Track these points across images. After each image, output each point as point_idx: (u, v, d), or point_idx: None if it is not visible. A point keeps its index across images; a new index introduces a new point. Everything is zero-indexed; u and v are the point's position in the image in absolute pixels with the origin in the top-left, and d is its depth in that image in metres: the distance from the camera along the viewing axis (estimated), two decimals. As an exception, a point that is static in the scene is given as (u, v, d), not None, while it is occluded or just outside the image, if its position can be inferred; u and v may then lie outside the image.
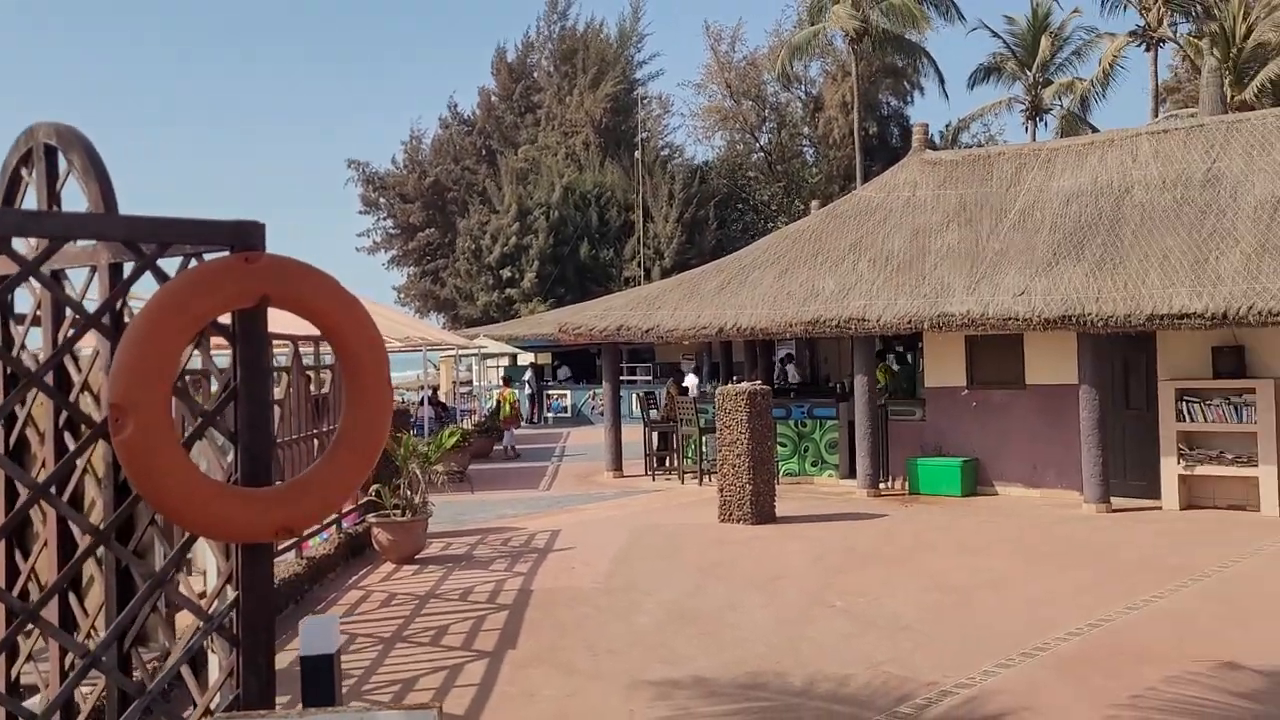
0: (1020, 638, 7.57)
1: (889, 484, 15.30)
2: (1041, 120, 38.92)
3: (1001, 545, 11.18)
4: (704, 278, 17.15)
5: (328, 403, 10.86)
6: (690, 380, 22.93)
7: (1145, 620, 8.04)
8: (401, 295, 47.35)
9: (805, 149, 47.22)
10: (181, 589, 3.74)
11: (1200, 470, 12.69)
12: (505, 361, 35.02)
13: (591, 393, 30.82)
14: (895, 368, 17.65)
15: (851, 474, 15.43)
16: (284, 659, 6.60)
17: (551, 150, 44.28)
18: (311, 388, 10.57)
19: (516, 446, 22.32)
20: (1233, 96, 26.44)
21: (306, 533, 9.89)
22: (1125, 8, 35.05)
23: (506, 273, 41.24)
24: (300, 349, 9.99)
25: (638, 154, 40.75)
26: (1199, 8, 33.03)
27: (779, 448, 15.41)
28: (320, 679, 3.85)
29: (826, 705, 6.36)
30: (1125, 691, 6.35)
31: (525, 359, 34.01)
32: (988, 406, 14.63)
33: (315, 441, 10.11)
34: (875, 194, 16.70)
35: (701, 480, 16.35)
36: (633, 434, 19.02)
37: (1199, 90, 22.59)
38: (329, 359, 11.63)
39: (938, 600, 8.87)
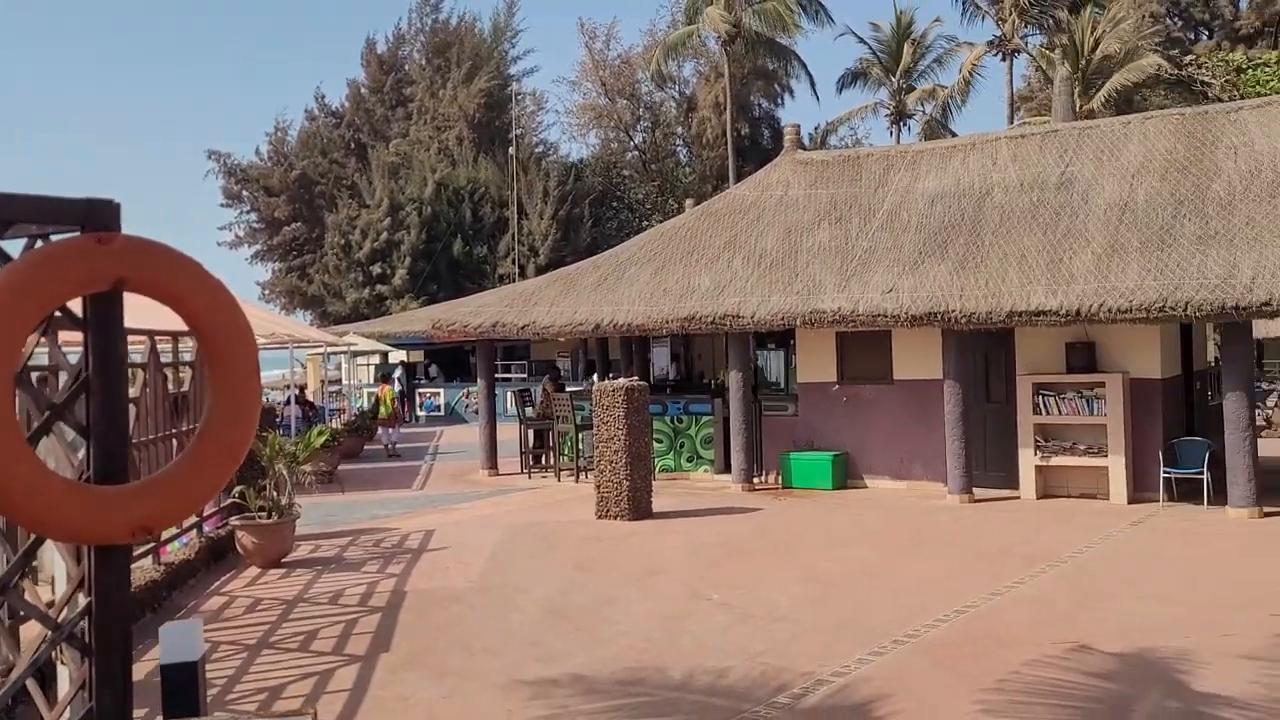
0: (891, 626, 7.75)
1: (763, 478, 15.53)
2: (905, 125, 40.21)
3: (871, 537, 11.46)
4: (580, 274, 17.08)
5: (187, 401, 10.37)
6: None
7: (1007, 606, 8.34)
8: (266, 291, 45.79)
9: (679, 148, 47.67)
10: (27, 597, 3.47)
11: (1055, 461, 13.28)
12: (376, 360, 34.23)
13: (465, 391, 30.41)
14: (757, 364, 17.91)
15: (727, 469, 15.61)
16: (141, 670, 6.26)
17: (424, 145, 43.49)
18: (170, 385, 10.06)
19: (396, 445, 21.84)
20: (1082, 105, 27.82)
21: (165, 537, 9.42)
22: (983, 18, 36.58)
23: (377, 269, 40.31)
24: (158, 344, 9.50)
25: (512, 150, 40.40)
26: (1051, 21, 34.65)
27: (655, 444, 15.48)
28: (182, 689, 3.63)
29: (706, 698, 6.38)
30: (991, 676, 6.56)
31: (396, 357, 33.31)
32: (857, 401, 15.01)
33: (174, 442, 9.64)
34: (749, 193, 16.93)
35: (578, 477, 16.29)
36: (508, 432, 18.81)
37: (1051, 98, 23.70)
38: (188, 356, 11.12)
39: (811, 591, 9.02)
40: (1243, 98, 21.02)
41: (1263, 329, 21.95)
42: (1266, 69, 21.47)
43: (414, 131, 44.59)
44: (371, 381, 32.55)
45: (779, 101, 45.87)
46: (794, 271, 14.73)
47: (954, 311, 12.92)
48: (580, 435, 16.43)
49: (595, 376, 20.40)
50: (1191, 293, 11.50)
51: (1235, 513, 11.72)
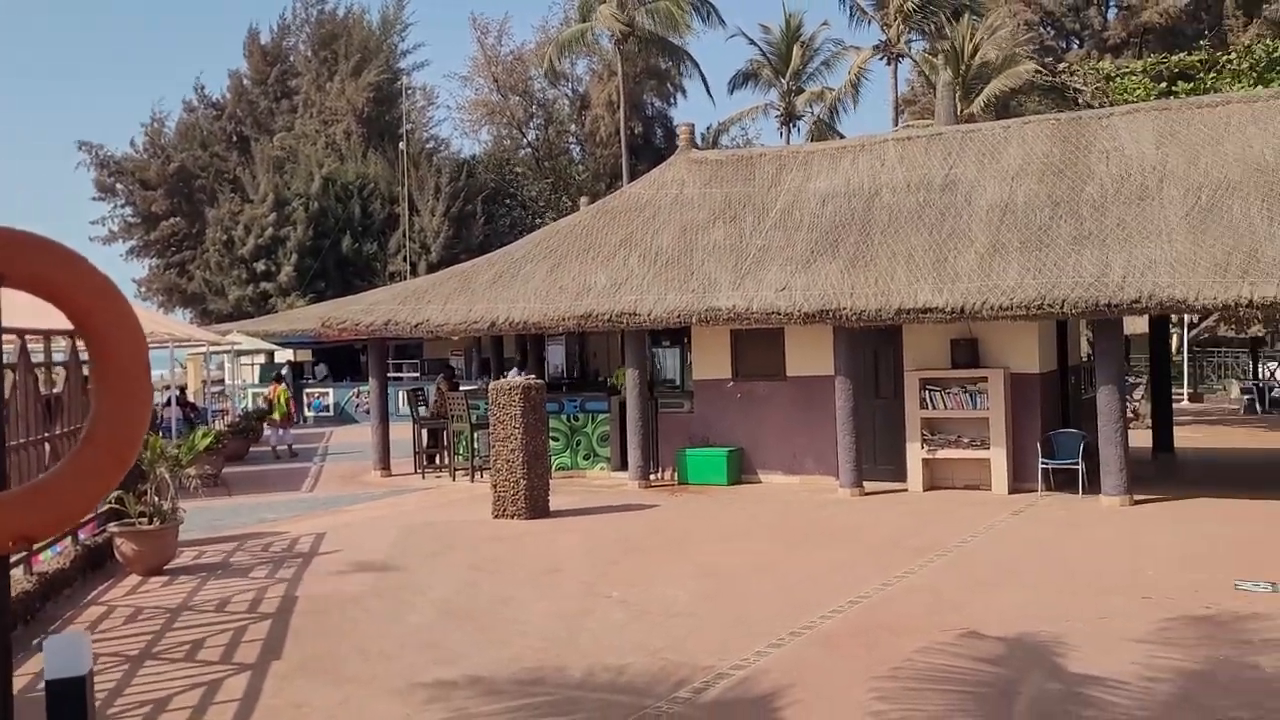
0: (787, 618, 7.88)
1: (659, 475, 15.62)
2: (795, 126, 40.92)
3: (766, 531, 11.64)
4: (475, 271, 16.89)
5: (60, 403, 9.89)
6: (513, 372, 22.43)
7: (898, 595, 8.56)
8: (143, 289, 43.99)
9: (572, 146, 47.57)
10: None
11: (941, 454, 13.70)
12: (261, 359, 33.25)
13: (356, 390, 29.80)
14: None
15: (623, 466, 15.65)
16: (15, 685, 5.95)
17: (310, 139, 42.40)
18: (41, 387, 9.59)
19: (293, 446, 21.26)
20: (963, 109, 28.74)
21: (36, 546, 8.97)
22: (869, 23, 37.48)
23: (262, 266, 39.16)
24: (29, 344, 9.03)
25: (402, 145, 39.69)
26: (933, 27, 35.73)
27: (552, 442, 15.41)
28: (69, 705, 3.45)
29: (607, 695, 6.38)
30: (885, 664, 6.73)
31: (283, 356, 32.41)
32: (751, 398, 15.22)
33: (47, 446, 9.18)
34: (645, 191, 17.00)
35: (474, 477, 16.12)
36: (401, 432, 18.50)
37: (935, 102, 24.43)
38: (61, 356, 10.62)
39: (708, 586, 9.11)
40: (1111, 104, 22.02)
41: (1131, 325, 23.06)
42: (1133, 77, 22.52)
43: (300, 125, 43.44)
44: (256, 382, 31.61)
45: (672, 101, 46.20)
46: (690, 269, 14.84)
47: (845, 309, 13.20)
48: (476, 434, 16.26)
49: (515, 373, 20.26)
50: (1067, 291, 11.99)
51: (1108, 501, 12.27)
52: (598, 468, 16.32)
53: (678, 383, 16.68)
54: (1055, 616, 7.65)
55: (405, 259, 38.79)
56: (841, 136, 36.27)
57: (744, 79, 41.54)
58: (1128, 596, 8.19)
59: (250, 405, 26.93)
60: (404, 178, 39.53)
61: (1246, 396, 24.92)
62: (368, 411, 22.08)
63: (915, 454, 13.80)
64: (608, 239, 16.06)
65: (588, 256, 15.88)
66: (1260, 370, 27.53)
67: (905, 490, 13.82)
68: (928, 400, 13.70)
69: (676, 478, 15.34)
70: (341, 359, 32.33)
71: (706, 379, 15.58)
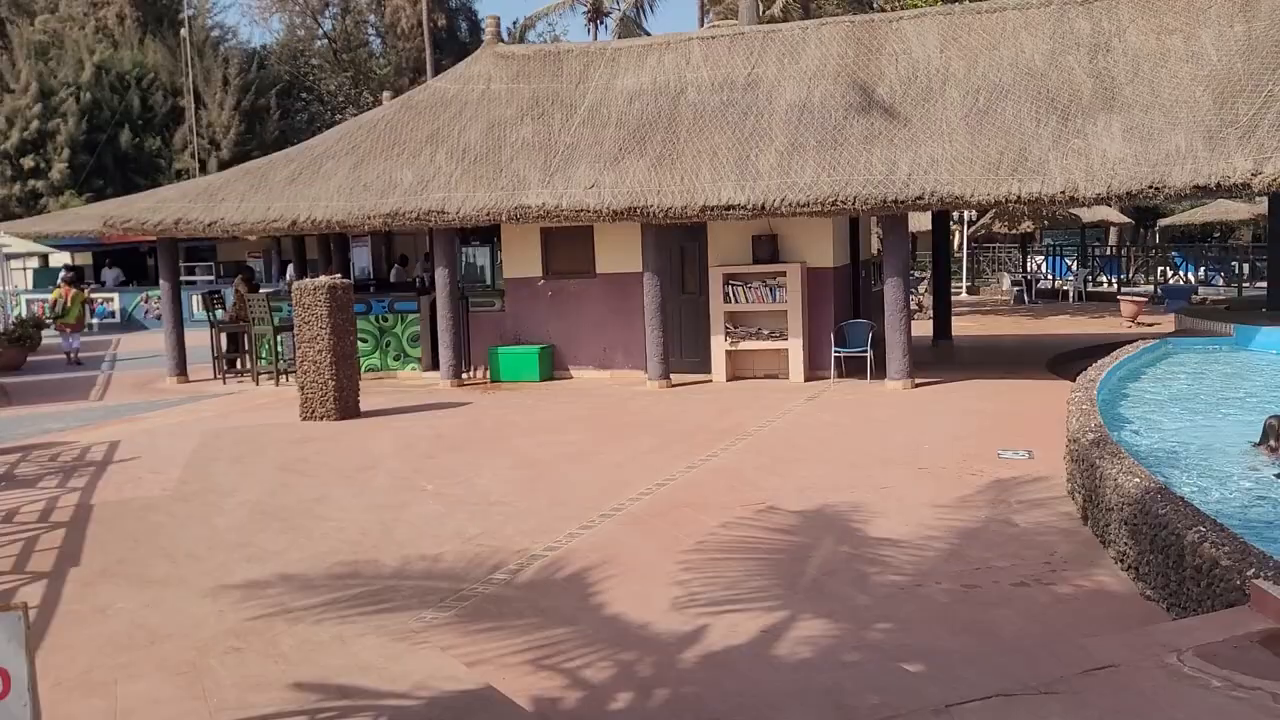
0: (598, 501, 8.21)
1: (471, 374, 15.65)
2: (602, 23, 40.49)
3: (578, 423, 11.94)
4: (272, 168, 16.15)
5: None
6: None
7: (703, 477, 9.04)
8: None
9: (372, 38, 45.53)
10: None
11: (743, 346, 14.32)
12: (35, 263, 30.82)
13: (145, 295, 28.12)
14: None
15: (435, 366, 15.59)
16: None
17: (78, 22, 38.83)
18: None
19: (79, 354, 19.97)
20: (764, 9, 29.17)
21: None
22: (675, -80, 37.16)
23: (29, 162, 35.94)
24: None
25: (184, 32, 36.91)
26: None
27: (360, 343, 15.15)
28: None
29: (424, 582, 6.52)
30: (691, 538, 7.15)
31: (61, 259, 30.13)
32: (563, 295, 15.37)
33: None
34: (450, 86, 16.58)
35: (279, 381, 15.69)
36: (198, 338, 17.70)
37: (738, 2, 24.69)
38: None
39: (523, 475, 9.34)
40: (902, 9, 22.87)
41: (917, 223, 24.47)
42: (923, -17, 23.45)
43: (65, 7, 39.64)
44: (30, 288, 29.34)
45: (475, -7, 44.76)
46: (499, 167, 14.70)
47: (652, 207, 13.45)
48: (279, 337, 15.77)
49: (291, 275, 19.57)
50: (859, 188, 12.63)
51: (893, 385, 13.21)
52: (409, 368, 16.18)
53: (489, 281, 16.62)
54: (845, 489, 8.28)
55: (194, 155, 36.45)
56: (648, 34, 36.20)
57: (550, -28, 40.63)
58: (908, 468, 8.94)
59: (24, 312, 24.98)
60: (187, 68, 36.87)
61: (1016, 288, 27.02)
62: (158, 317, 20.94)
63: (719, 346, 14.36)
64: (413, 135, 15.65)
65: (393, 153, 15.45)
66: (1029, 264, 29.83)
67: (710, 381, 14.41)
68: (731, 295, 14.23)
69: (489, 376, 15.42)
70: (129, 262, 30.33)
71: (518, 277, 15.60)
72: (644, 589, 6.18)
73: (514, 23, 42.40)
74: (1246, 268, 26.47)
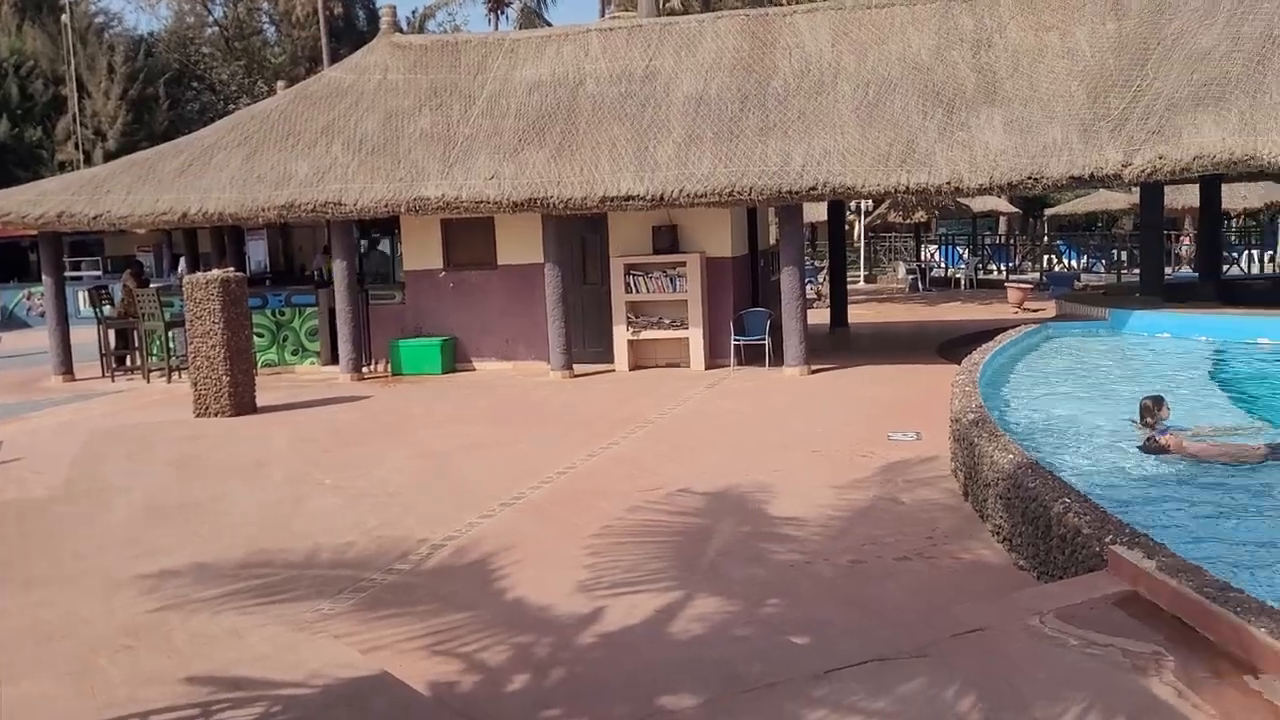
0: (500, 491, 8.27)
1: (372, 367, 15.51)
2: (503, 13, 40.27)
3: (480, 414, 11.96)
4: (161, 159, 15.73)
5: None
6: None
7: (604, 464, 9.17)
8: None
9: (266, 27, 44.42)
10: None
11: (645, 335, 14.50)
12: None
13: (27, 292, 27.06)
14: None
15: (334, 360, 15.41)
16: None
17: (-51, 5, 37.04)
18: None
19: None
20: (663, 3, 29.38)
21: None
22: (575, -89, 37.16)
23: (-102, 152, 34.22)
24: None
25: (65, 18, 35.50)
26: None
27: (256, 338, 14.89)
28: None
29: (328, 572, 6.52)
30: (595, 524, 7.27)
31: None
32: (464, 287, 15.33)
33: None
34: (346, 76, 16.36)
35: (170, 378, 15.32)
36: (85, 335, 17.14)
37: (638, -5, 24.83)
38: None
39: (424, 466, 9.34)
40: (795, 3, 23.31)
41: (816, 214, 24.99)
42: (817, -21, 23.89)
43: (-66, -11, 37.78)
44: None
45: (373, -19, 44.02)
46: (397, 158, 14.58)
47: (553, 198, 13.51)
48: (171, 333, 15.39)
49: (183, 269, 19.07)
50: (755, 179, 12.89)
51: (790, 371, 13.53)
52: (307, 363, 15.95)
53: (388, 274, 16.48)
54: (743, 473, 8.50)
55: (78, 146, 35.12)
56: (550, 25, 36.10)
57: (449, -39, 40.19)
58: (803, 452, 9.21)
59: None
60: (69, 55, 35.47)
61: (910, 277, 27.81)
62: (42, 314, 20.21)
63: (621, 336, 14.51)
64: (309, 126, 15.41)
65: (287, 144, 15.19)
66: (923, 253, 30.70)
67: (613, 371, 14.55)
68: (632, 285, 14.38)
69: (390, 369, 15.30)
70: (6, 257, 29.13)
71: (418, 269, 15.50)
72: (545, 574, 6.28)
73: (413, 12, 41.98)
74: (1126, 255, 27.69)
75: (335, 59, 31.44)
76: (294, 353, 16.01)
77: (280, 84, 20.84)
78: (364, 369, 15.22)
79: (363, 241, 16.94)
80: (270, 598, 6.07)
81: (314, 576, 6.44)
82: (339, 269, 14.90)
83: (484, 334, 15.31)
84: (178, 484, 9.06)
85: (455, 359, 15.36)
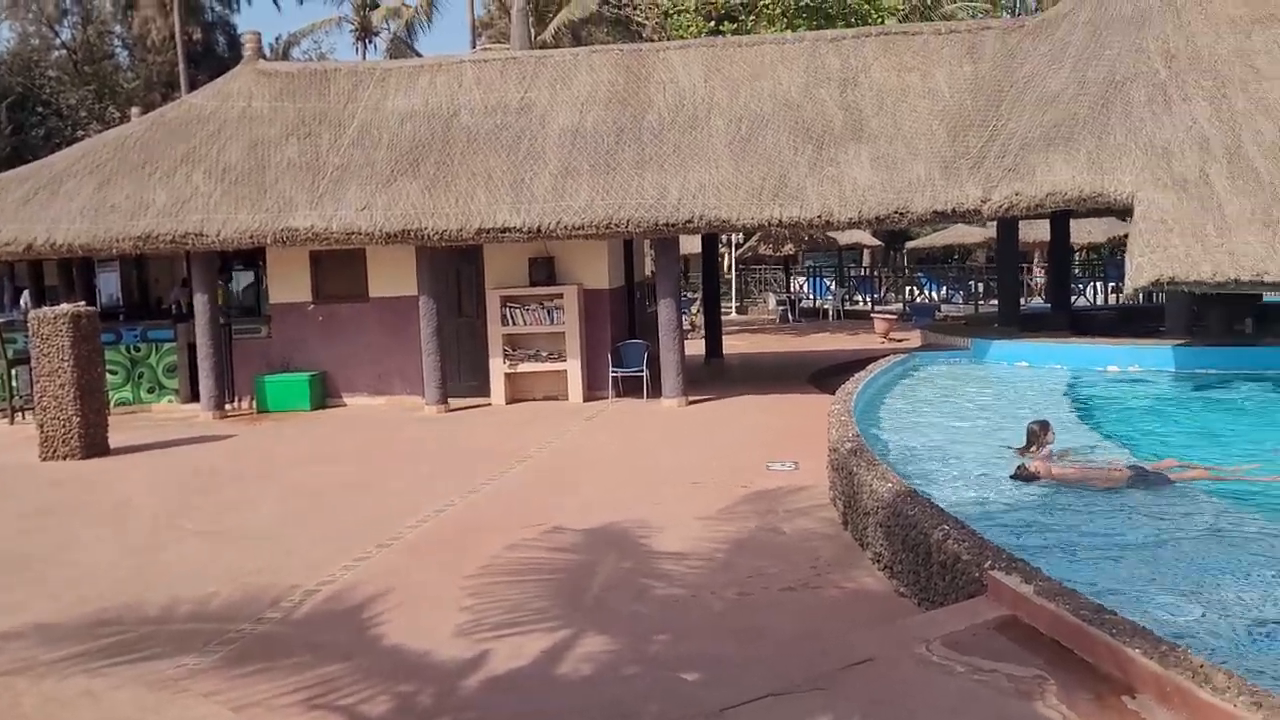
0: (376, 531, 8.00)
1: (236, 404, 14.90)
2: (371, 42, 39.70)
3: (353, 452, 11.59)
4: (3, 187, 14.84)
5: None
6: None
7: (483, 501, 8.98)
8: None
9: (119, 50, 42.63)
10: None
11: (522, 368, 14.35)
12: None
13: None
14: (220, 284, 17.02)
15: (195, 398, 14.76)
16: None
17: None
18: None
19: None
20: (536, 35, 29.48)
21: None
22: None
23: None
24: None
25: (-105, 36, 33.33)
26: (507, -48, 35.99)
27: (109, 375, 14.14)
28: None
29: (187, 626, 6.15)
30: (474, 563, 7.08)
31: None
32: (334, 320, 14.90)
33: None
34: (208, 103, 15.77)
35: (14, 418, 14.38)
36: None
37: (510, 27, 24.84)
38: None
39: (296, 508, 8.97)
40: (669, 39, 23.68)
41: (688, 245, 25.32)
42: (687, 15, 24.35)
43: None
44: None
45: (234, 6, 42.83)
46: (263, 188, 14.11)
47: (427, 229, 13.29)
48: (14, 371, 14.47)
49: (26, 303, 18.01)
50: (632, 211, 12.95)
51: (668, 403, 13.58)
52: (165, 400, 15.22)
53: (254, 307, 15.89)
54: (624, 506, 8.44)
55: (-92, 172, 32.87)
56: (419, 55, 35.76)
57: (315, -12, 39.43)
58: (684, 484, 9.21)
59: None
60: (-101, 75, 33.29)
61: (781, 307, 28.40)
62: None
63: (498, 369, 14.33)
64: (167, 154, 14.79)
65: (144, 172, 14.54)
66: (792, 285, 31.41)
67: (490, 405, 14.34)
68: (508, 317, 14.23)
69: (255, 406, 14.72)
70: None
71: (285, 302, 15.00)
72: (425, 617, 6.07)
73: (276, 39, 40.92)
74: (982, 287, 28.92)
75: (194, 85, 30.38)
76: (150, 390, 15.26)
77: (135, 110, 20.00)
78: (227, 406, 14.61)
79: (226, 274, 16.32)
80: (128, 655, 5.68)
81: (175, 631, 6.07)
82: (200, 302, 14.30)
83: (356, 368, 14.89)
84: (23, 534, 8.46)
85: (325, 394, 14.89)
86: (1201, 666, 3.70)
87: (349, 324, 14.87)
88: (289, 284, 14.96)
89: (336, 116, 15.16)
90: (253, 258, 15.60)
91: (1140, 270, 10.72)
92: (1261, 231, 10.66)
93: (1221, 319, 13.75)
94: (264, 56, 16.98)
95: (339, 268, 14.82)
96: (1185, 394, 11.37)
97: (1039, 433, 8.51)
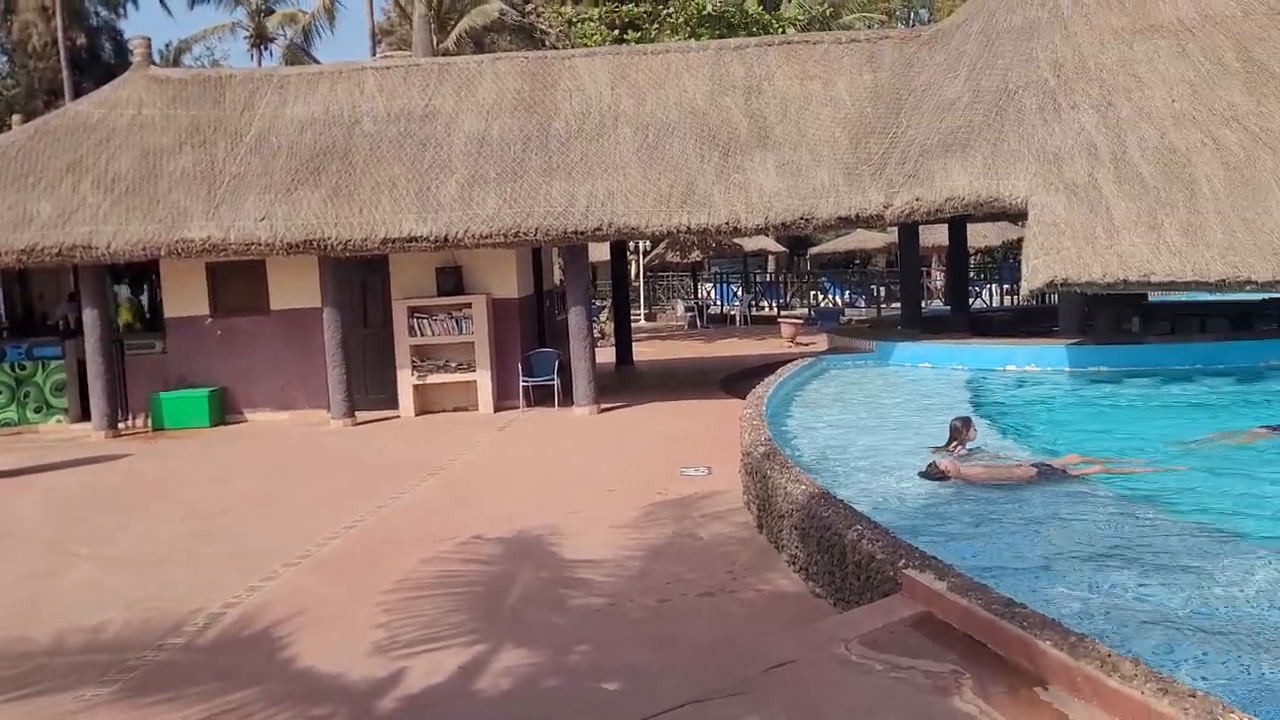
0: (281, 550, 7.77)
1: (130, 423, 14.37)
2: (267, 49, 38.81)
3: (256, 468, 11.26)
4: (-128, 198, 14.04)
5: None
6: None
7: (394, 515, 8.80)
8: None
9: (-3, 55, 40.84)
10: None
11: (431, 379, 14.14)
12: None
13: None
14: (131, 299, 16.45)
15: (86, 416, 14.18)
16: None
17: None
18: None
19: None
20: (438, 42, 29.16)
21: None
22: (343, -53, 36.37)
23: None
24: None
25: None
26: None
27: (-6, 395, 13.50)
28: None
29: (83, 657, 5.88)
30: (387, 579, 6.92)
31: None
32: (234, 334, 14.47)
33: None
34: (95, 110, 15.19)
35: (-111, 443, 13.62)
36: None
37: (411, 34, 24.52)
38: None
39: (196, 529, 8.67)
40: (573, 46, 23.67)
41: (597, 253, 25.31)
42: (591, 23, 24.38)
43: None
44: None
45: (121, 11, 41.39)
46: (155, 198, 13.64)
47: (330, 239, 13.01)
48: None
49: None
50: (540, 220, 12.88)
51: (580, 411, 13.53)
52: (53, 420, 14.59)
53: (148, 321, 15.34)
54: (539, 516, 8.35)
55: None
56: (318, 62, 35.06)
57: (207, -7, 38.41)
58: (598, 491, 9.17)
59: None
60: None
61: (689, 314, 28.60)
62: None
63: (406, 381, 14.09)
64: (51, 163, 14.20)
65: (26, 183, 13.93)
66: (700, 291, 31.65)
67: (398, 417, 14.09)
68: (416, 328, 14.01)
69: (151, 424, 14.21)
70: None
71: (181, 316, 14.52)
72: (337, 637, 5.91)
73: (167, 45, 39.67)
74: (884, 291, 29.56)
75: (79, 93, 29.29)
76: (38, 410, 14.61)
77: (15, 118, 19.14)
78: (121, 425, 14.08)
79: (118, 288, 15.73)
80: (20, 690, 5.40)
81: (71, 662, 5.79)
82: (90, 317, 13.74)
83: (258, 383, 14.49)
84: (-100, 564, 7.99)
85: (226, 411, 14.45)
86: (1109, 656, 3.80)
87: (249, 337, 14.46)
88: (185, 297, 14.49)
89: (233, 124, 14.75)
90: (145, 270, 15.07)
91: (1036, 272, 11.07)
92: (1147, 234, 11.10)
93: (1111, 318, 14.28)
94: (154, 63, 16.43)
95: (238, 280, 14.41)
96: (1080, 391, 11.77)
97: (961, 429, 8.70)
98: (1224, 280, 10.80)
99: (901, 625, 4.64)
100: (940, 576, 4.78)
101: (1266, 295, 13.26)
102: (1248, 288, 10.94)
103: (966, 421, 8.77)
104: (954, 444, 8.66)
